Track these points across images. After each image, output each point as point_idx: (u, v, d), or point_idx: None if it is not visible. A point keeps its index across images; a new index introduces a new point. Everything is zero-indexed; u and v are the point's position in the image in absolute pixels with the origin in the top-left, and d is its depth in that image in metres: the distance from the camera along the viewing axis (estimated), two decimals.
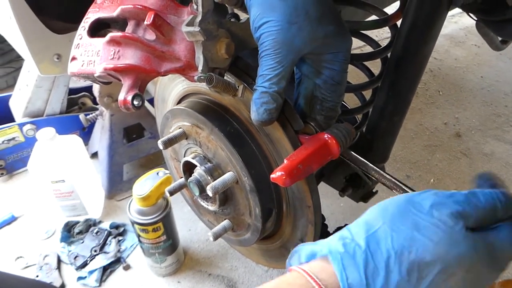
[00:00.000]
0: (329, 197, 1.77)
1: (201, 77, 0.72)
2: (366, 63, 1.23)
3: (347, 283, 0.50)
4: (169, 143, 0.93)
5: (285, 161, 0.74)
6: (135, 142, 1.85)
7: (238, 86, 0.79)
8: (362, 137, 1.16)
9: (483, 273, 0.54)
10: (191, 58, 0.75)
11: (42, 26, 1.36)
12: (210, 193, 0.84)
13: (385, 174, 0.82)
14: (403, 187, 0.77)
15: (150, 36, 0.77)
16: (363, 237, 0.53)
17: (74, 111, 2.02)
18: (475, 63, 2.70)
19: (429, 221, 0.53)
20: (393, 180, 0.80)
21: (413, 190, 0.74)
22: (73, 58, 0.83)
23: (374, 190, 1.28)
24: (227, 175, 0.87)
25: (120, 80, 0.78)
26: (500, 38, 1.49)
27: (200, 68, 0.72)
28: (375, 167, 0.84)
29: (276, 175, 0.72)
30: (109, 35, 0.77)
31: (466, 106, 2.37)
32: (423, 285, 0.51)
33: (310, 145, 0.76)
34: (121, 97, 0.76)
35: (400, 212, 0.55)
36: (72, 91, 2.03)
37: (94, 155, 1.99)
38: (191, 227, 1.75)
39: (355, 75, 1.23)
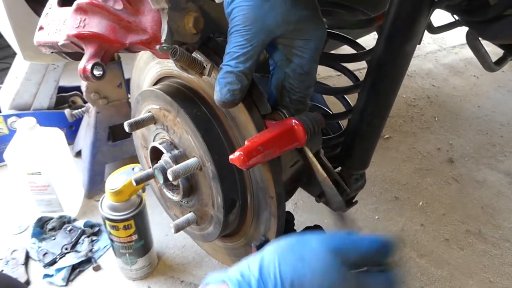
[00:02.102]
0: (313, 213, 1.72)
1: (164, 48, 0.69)
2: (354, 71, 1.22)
3: None
4: (135, 125, 0.90)
5: (246, 142, 0.70)
6: (119, 142, 1.81)
7: (206, 65, 0.76)
8: (343, 142, 1.13)
9: None
10: (158, 31, 0.73)
11: (31, 12, 1.35)
12: (170, 177, 0.80)
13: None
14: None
15: (119, 6, 0.74)
16: (257, 268, 0.60)
17: (63, 109, 2.00)
18: (473, 93, 2.68)
19: (311, 254, 0.60)
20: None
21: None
22: (41, 28, 0.81)
23: (354, 200, 1.24)
24: (190, 160, 0.83)
25: (83, 50, 0.75)
26: (493, 59, 1.47)
27: (163, 37, 0.69)
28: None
29: (234, 155, 0.68)
30: (76, 2, 0.75)
31: (460, 134, 2.33)
32: None
33: (274, 128, 0.73)
34: (80, 65, 0.73)
35: (290, 247, 0.62)
36: (63, 90, 2.01)
37: (79, 154, 1.96)
38: (169, 232, 1.70)
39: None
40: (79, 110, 1.76)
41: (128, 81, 1.74)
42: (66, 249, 1.58)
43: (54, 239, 1.62)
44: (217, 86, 0.71)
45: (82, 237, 1.63)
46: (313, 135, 0.76)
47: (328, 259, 0.60)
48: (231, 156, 0.69)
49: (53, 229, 1.65)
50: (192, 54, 0.76)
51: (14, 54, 2.33)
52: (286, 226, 0.86)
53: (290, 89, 0.79)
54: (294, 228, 0.91)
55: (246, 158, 0.67)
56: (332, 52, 1.11)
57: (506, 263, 1.64)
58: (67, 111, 1.73)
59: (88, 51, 0.73)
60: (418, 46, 3.00)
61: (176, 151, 0.89)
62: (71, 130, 2.01)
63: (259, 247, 0.83)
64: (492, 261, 1.65)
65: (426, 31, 1.52)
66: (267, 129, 0.74)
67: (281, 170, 0.80)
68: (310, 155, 0.78)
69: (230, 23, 0.71)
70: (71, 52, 0.85)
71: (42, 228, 1.65)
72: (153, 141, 0.95)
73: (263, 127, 0.75)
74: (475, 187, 1.99)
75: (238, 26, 0.70)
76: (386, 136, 2.25)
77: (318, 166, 0.83)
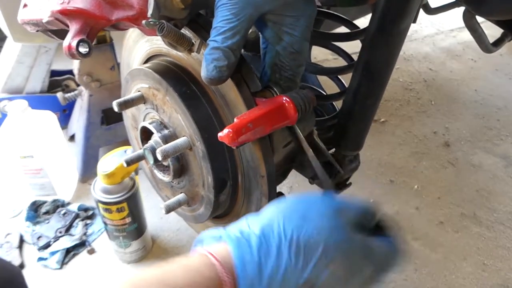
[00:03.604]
0: None
1: (151, 23, 0.67)
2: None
3: (240, 262, 0.54)
4: (124, 105, 0.88)
5: (235, 119, 0.69)
6: (113, 125, 1.79)
7: (195, 41, 0.75)
8: (337, 123, 1.12)
9: (359, 265, 0.58)
10: (145, 6, 0.71)
11: None
12: (159, 157, 0.79)
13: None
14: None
15: None
16: (258, 226, 0.57)
17: (56, 93, 1.98)
18: (470, 76, 2.66)
19: (315, 213, 0.59)
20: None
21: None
22: (25, 5, 0.79)
23: (348, 182, 1.23)
24: (180, 140, 0.82)
25: (68, 27, 0.73)
26: (491, 41, 1.44)
27: (149, 12, 0.67)
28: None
29: (223, 133, 0.67)
30: None
31: (457, 117, 2.32)
32: (308, 268, 0.55)
33: (265, 106, 0.72)
34: (65, 42, 0.71)
35: (292, 206, 0.60)
36: (57, 73, 1.99)
37: (73, 137, 1.94)
38: (163, 215, 1.69)
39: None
40: (72, 93, 1.74)
41: None
42: (60, 232, 1.58)
43: (48, 222, 1.61)
44: (204, 63, 0.70)
45: (76, 221, 1.63)
46: (304, 114, 0.74)
47: (333, 218, 0.59)
48: (220, 134, 0.68)
49: (47, 212, 1.64)
50: (181, 31, 0.74)
51: (5, 37, 2.31)
52: None
53: (281, 67, 0.78)
54: None
55: (235, 135, 0.66)
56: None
57: (500, 245, 1.64)
58: (59, 95, 1.71)
59: (73, 27, 0.71)
60: (415, 29, 2.96)
61: (166, 131, 0.88)
62: (65, 114, 1.99)
63: None
64: (486, 244, 1.65)
65: (423, 12, 1.50)
66: (257, 107, 0.73)
67: (271, 149, 0.79)
68: (300, 134, 0.77)
69: None
70: (57, 31, 0.83)
71: (36, 212, 1.64)
72: (143, 121, 0.94)
73: (253, 104, 0.74)
74: (471, 170, 1.99)
75: (224, 0, 0.68)
76: (382, 120, 2.24)
77: (306, 144, 0.81)
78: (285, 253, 0.54)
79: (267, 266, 0.53)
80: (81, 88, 1.73)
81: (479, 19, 1.13)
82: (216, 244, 0.58)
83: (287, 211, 0.59)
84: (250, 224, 0.58)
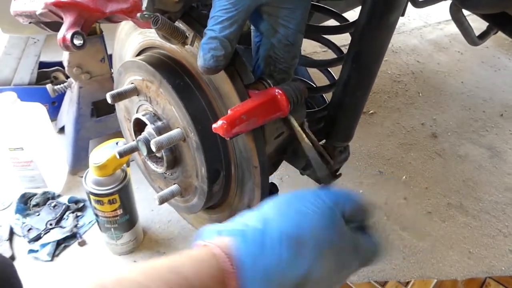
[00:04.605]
0: (299, 188, 1.73)
1: (145, 15, 0.68)
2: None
3: (245, 253, 0.55)
4: (118, 97, 0.88)
5: (229, 111, 0.70)
6: (103, 117, 1.79)
7: (189, 34, 0.75)
8: (327, 115, 1.13)
9: (348, 260, 0.61)
10: None
11: None
12: (153, 148, 0.80)
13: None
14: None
15: None
16: (260, 221, 0.59)
17: (45, 85, 1.96)
18: (457, 68, 2.70)
19: (310, 208, 0.60)
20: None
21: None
22: None
23: (338, 173, 1.25)
24: (174, 131, 0.83)
25: (62, 19, 0.74)
26: (477, 34, 1.47)
27: (144, 5, 0.68)
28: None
29: (218, 124, 0.68)
30: None
31: (444, 109, 2.36)
32: (304, 264, 0.56)
33: (258, 98, 0.73)
34: (60, 34, 0.71)
35: (287, 202, 0.62)
36: (45, 65, 1.98)
37: (63, 130, 1.94)
38: (154, 208, 1.70)
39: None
40: (62, 85, 1.73)
41: (111, 56, 1.72)
42: (51, 224, 1.58)
43: (38, 215, 1.61)
44: (201, 52, 0.71)
45: (67, 213, 1.63)
46: (296, 105, 0.76)
47: (328, 214, 0.60)
48: (214, 125, 0.69)
49: (37, 205, 1.64)
50: (175, 24, 0.75)
51: None
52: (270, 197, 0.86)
53: (276, 59, 0.79)
54: None
55: (229, 127, 0.68)
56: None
57: (485, 234, 1.68)
58: (49, 86, 1.70)
59: (67, 20, 0.72)
60: (403, 22, 2.99)
61: (159, 123, 0.89)
62: (54, 106, 1.98)
63: None
64: (472, 233, 1.69)
65: (410, 5, 1.52)
66: (250, 99, 0.74)
67: (264, 140, 0.81)
68: (295, 124, 0.78)
69: None
70: (49, 23, 0.83)
71: (25, 204, 1.64)
72: (136, 113, 0.94)
73: (246, 96, 0.75)
74: (457, 161, 2.02)
75: None
76: (371, 111, 2.27)
77: (303, 134, 0.83)
78: (284, 249, 0.55)
79: (270, 260, 0.55)
80: (71, 80, 1.72)
81: (466, 12, 1.16)
82: (217, 237, 0.59)
83: (284, 206, 0.61)
84: (252, 219, 0.59)
